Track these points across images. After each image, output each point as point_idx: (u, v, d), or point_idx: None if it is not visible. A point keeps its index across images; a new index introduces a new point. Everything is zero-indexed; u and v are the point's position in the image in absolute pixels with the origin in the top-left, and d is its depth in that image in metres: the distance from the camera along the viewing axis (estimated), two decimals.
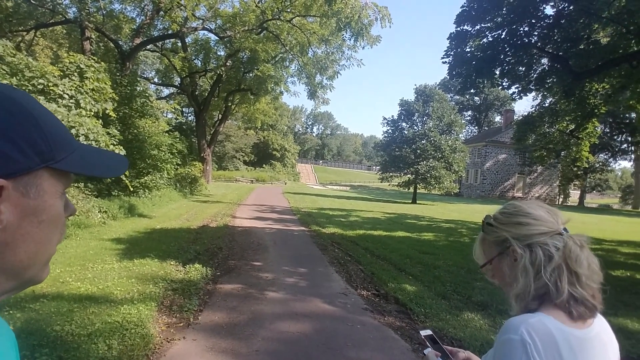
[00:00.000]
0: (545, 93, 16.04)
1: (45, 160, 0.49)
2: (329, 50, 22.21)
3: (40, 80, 9.04)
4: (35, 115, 0.49)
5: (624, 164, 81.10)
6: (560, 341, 0.80)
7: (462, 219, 17.22)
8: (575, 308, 0.84)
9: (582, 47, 10.75)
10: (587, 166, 34.25)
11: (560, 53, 11.13)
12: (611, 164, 47.53)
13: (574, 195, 48.99)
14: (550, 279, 0.85)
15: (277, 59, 24.15)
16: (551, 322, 0.82)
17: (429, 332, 1.18)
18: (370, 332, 4.14)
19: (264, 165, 56.12)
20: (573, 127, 17.49)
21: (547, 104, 18.54)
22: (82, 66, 10.29)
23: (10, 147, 0.45)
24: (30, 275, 0.52)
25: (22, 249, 0.49)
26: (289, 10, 20.71)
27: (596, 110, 13.98)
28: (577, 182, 44.78)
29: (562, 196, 44.64)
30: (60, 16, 18.23)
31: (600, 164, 44.01)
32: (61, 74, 9.84)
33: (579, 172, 39.40)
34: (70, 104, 9.34)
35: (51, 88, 9.13)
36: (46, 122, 0.50)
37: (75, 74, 10.13)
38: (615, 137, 40.91)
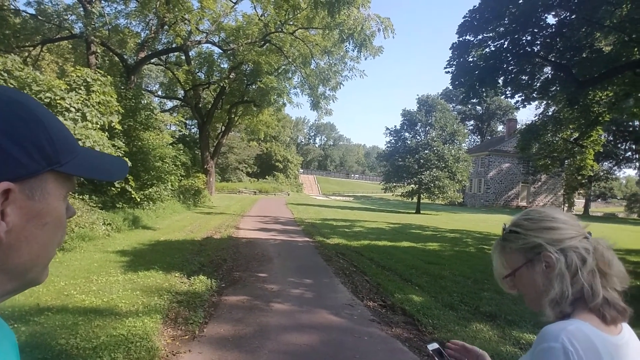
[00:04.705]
0: (549, 101, 16.05)
1: (51, 163, 0.49)
2: (331, 62, 22.39)
3: (47, 94, 9.14)
4: (43, 119, 0.50)
5: (629, 172, 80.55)
6: (600, 348, 0.79)
7: (467, 228, 17.11)
8: (609, 312, 0.83)
9: (585, 55, 10.78)
10: (591, 174, 34.09)
11: (564, 62, 11.16)
12: (616, 172, 47.28)
13: (579, 204, 48.67)
14: (586, 282, 0.84)
15: (280, 71, 24.35)
16: (589, 328, 0.81)
17: (435, 345, 1.15)
18: (377, 344, 4.07)
19: (267, 177, 56.14)
20: (577, 135, 17.46)
21: (550, 112, 18.55)
22: (88, 80, 10.41)
23: (19, 151, 0.46)
24: (32, 276, 0.53)
25: (26, 251, 0.49)
26: (291, 23, 20.93)
27: (600, 118, 13.96)
28: (581, 191, 44.52)
29: (567, 205, 44.31)
30: (67, 31, 18.55)
31: (605, 172, 43.78)
32: (68, 87, 9.95)
33: (583, 181, 39.20)
34: (76, 117, 9.44)
35: (58, 102, 9.23)
36: (53, 127, 0.51)
37: (82, 87, 10.25)
38: (619, 145, 40.77)
